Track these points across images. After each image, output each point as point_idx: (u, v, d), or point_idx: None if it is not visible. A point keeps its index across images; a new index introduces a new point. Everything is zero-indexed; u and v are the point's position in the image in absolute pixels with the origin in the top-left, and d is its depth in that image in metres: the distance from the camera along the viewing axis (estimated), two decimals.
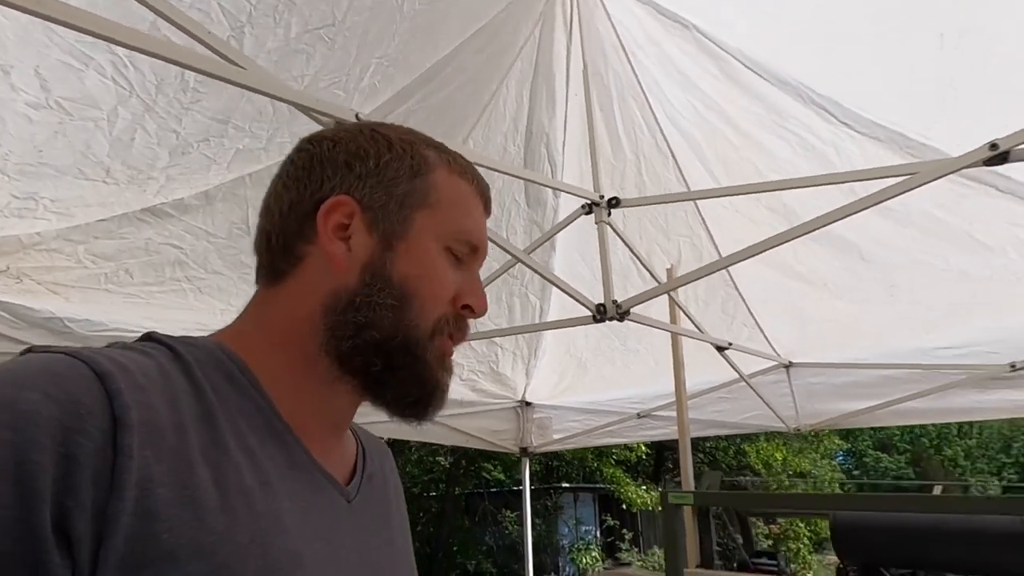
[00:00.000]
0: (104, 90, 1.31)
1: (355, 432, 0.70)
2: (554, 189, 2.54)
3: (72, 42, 1.21)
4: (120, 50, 1.24)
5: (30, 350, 0.48)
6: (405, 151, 0.63)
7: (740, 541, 2.25)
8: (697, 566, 2.07)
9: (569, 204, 2.70)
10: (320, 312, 0.58)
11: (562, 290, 1.74)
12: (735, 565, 2.34)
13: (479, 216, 0.66)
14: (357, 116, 1.07)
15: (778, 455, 13.49)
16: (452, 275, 0.62)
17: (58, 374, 0.44)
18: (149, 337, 0.56)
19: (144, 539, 0.43)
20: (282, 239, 0.61)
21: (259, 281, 0.64)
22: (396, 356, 0.58)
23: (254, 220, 2.16)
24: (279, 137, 1.71)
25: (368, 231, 0.60)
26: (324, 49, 1.51)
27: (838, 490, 15.06)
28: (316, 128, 1.63)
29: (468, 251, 0.64)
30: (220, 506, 0.47)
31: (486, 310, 0.64)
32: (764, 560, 2.24)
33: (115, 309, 2.09)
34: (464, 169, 0.66)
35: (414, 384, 0.60)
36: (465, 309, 0.63)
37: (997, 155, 1.13)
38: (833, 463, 17.63)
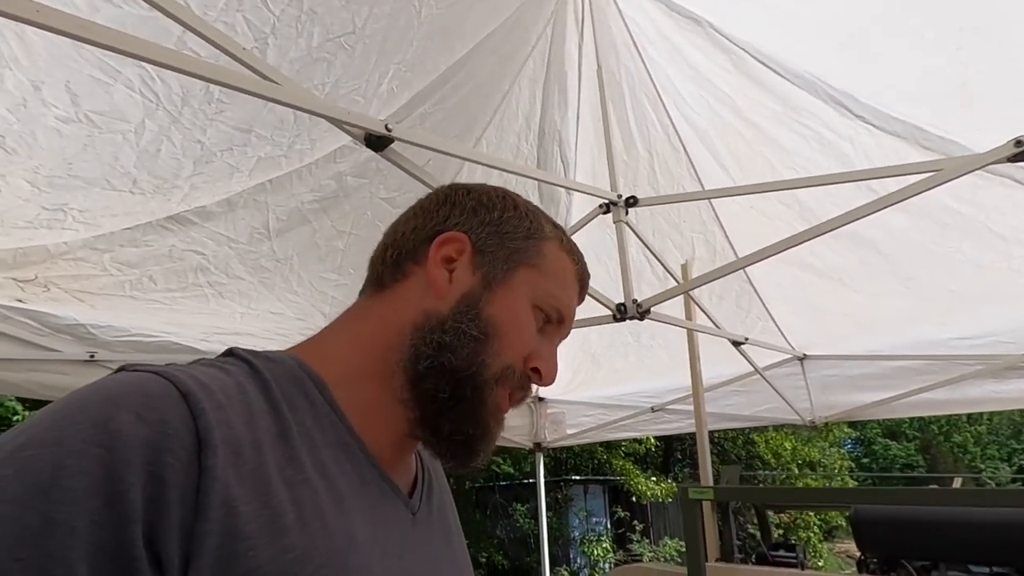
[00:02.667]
0: (132, 103, 1.33)
1: None
2: (572, 190, 2.54)
3: (101, 57, 1.23)
4: (148, 64, 1.26)
5: (123, 368, 0.49)
6: (527, 215, 0.68)
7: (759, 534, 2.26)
8: (717, 560, 2.09)
9: (582, 201, 2.71)
10: (410, 328, 0.61)
11: None
12: (754, 557, 2.36)
13: (573, 295, 0.70)
14: (387, 127, 1.08)
15: (787, 445, 13.47)
16: (534, 334, 0.65)
17: (149, 394, 0.45)
18: (230, 352, 0.57)
19: (229, 559, 0.43)
20: (395, 255, 0.65)
21: (363, 292, 0.68)
22: (464, 387, 0.60)
23: (274, 225, 2.17)
24: (299, 144, 1.73)
25: (472, 270, 0.64)
26: (344, 57, 1.53)
27: (848, 478, 15.04)
28: (337, 134, 1.64)
29: (556, 319, 0.66)
30: (298, 525, 0.48)
31: (553, 381, 0.66)
32: (782, 552, 2.26)
33: (138, 315, 2.12)
34: (572, 250, 0.70)
35: (471, 422, 0.61)
36: (533, 372, 0.65)
37: (1022, 151, 1.14)
38: (842, 451, 17.57)
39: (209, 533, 0.43)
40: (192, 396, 0.46)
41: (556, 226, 0.70)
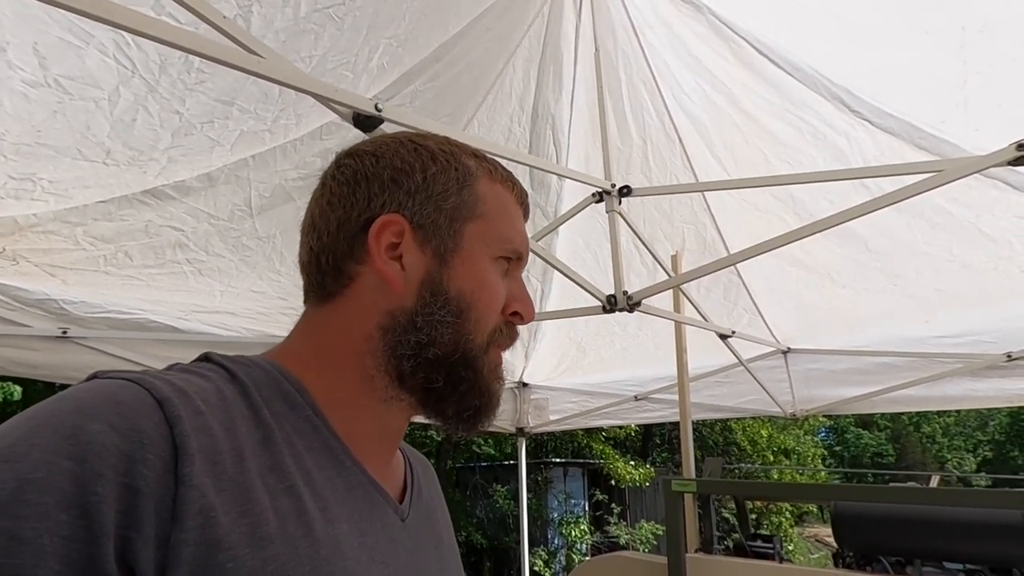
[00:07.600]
0: (105, 69, 1.26)
1: (400, 446, 0.70)
2: (564, 177, 2.49)
3: (72, 19, 1.15)
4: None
5: (95, 376, 0.47)
6: (449, 163, 0.62)
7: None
8: (696, 550, 2.11)
9: (574, 187, 2.66)
10: (378, 333, 0.58)
11: (573, 281, 1.72)
12: (730, 546, 2.38)
13: (520, 224, 0.66)
14: (376, 107, 1.03)
15: (764, 432, 13.73)
16: (503, 285, 0.63)
17: (121, 403, 0.43)
18: (207, 358, 0.55)
19: (207, 569, 0.42)
20: (331, 259, 0.60)
21: (307, 300, 0.63)
22: (457, 371, 0.58)
23: (257, 202, 2.09)
24: (284, 119, 1.66)
25: (420, 248, 0.59)
26: (333, 29, 1.46)
27: (821, 466, 15.40)
28: (324, 109, 1.58)
29: (515, 258, 0.64)
30: (280, 534, 0.46)
31: (534, 316, 0.65)
32: (760, 543, 2.28)
33: (113, 291, 2.05)
34: (504, 177, 0.66)
35: (474, 396, 0.60)
36: (514, 316, 0.63)
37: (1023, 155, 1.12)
38: (816, 439, 17.97)
39: (186, 543, 0.42)
40: (168, 403, 0.45)
41: (477, 155, 0.65)
